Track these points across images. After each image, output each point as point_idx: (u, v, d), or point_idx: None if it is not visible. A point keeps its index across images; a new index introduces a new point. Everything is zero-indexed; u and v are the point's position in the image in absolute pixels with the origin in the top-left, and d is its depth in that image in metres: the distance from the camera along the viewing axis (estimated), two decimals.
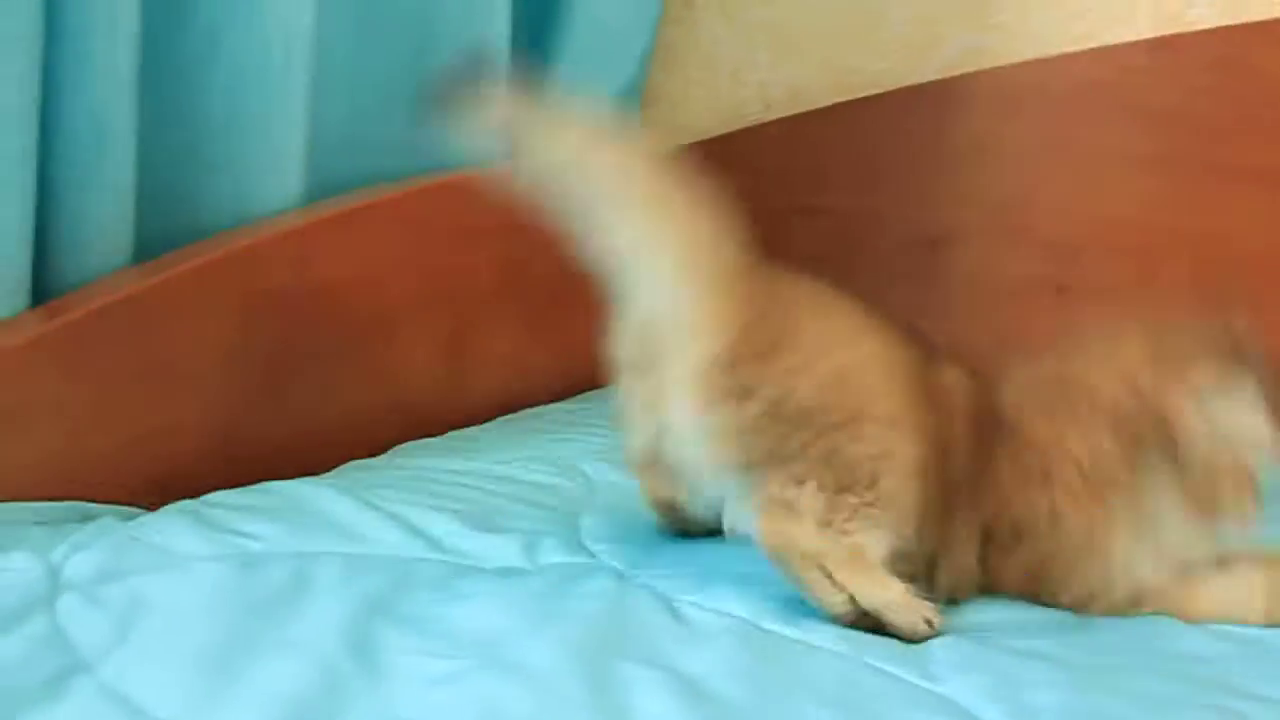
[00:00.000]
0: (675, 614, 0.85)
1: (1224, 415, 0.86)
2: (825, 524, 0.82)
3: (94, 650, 0.75)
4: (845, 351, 0.86)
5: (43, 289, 1.09)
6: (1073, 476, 0.87)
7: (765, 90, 1.87)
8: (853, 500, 0.82)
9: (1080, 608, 0.89)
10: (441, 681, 0.73)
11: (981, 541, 0.90)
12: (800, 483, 0.82)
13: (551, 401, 1.58)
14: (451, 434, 1.39)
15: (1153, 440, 0.86)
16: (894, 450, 0.83)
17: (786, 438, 0.82)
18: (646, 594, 0.88)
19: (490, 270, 1.54)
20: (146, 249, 1.18)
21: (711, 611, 0.85)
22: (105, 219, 1.13)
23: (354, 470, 1.20)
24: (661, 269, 0.85)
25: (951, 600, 0.88)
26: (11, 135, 1.03)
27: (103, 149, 1.12)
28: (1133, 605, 0.88)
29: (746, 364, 0.82)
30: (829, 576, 0.82)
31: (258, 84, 1.26)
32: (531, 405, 1.55)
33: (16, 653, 0.74)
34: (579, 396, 1.59)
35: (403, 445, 1.34)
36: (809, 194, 1.79)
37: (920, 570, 0.87)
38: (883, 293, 0.88)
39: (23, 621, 0.77)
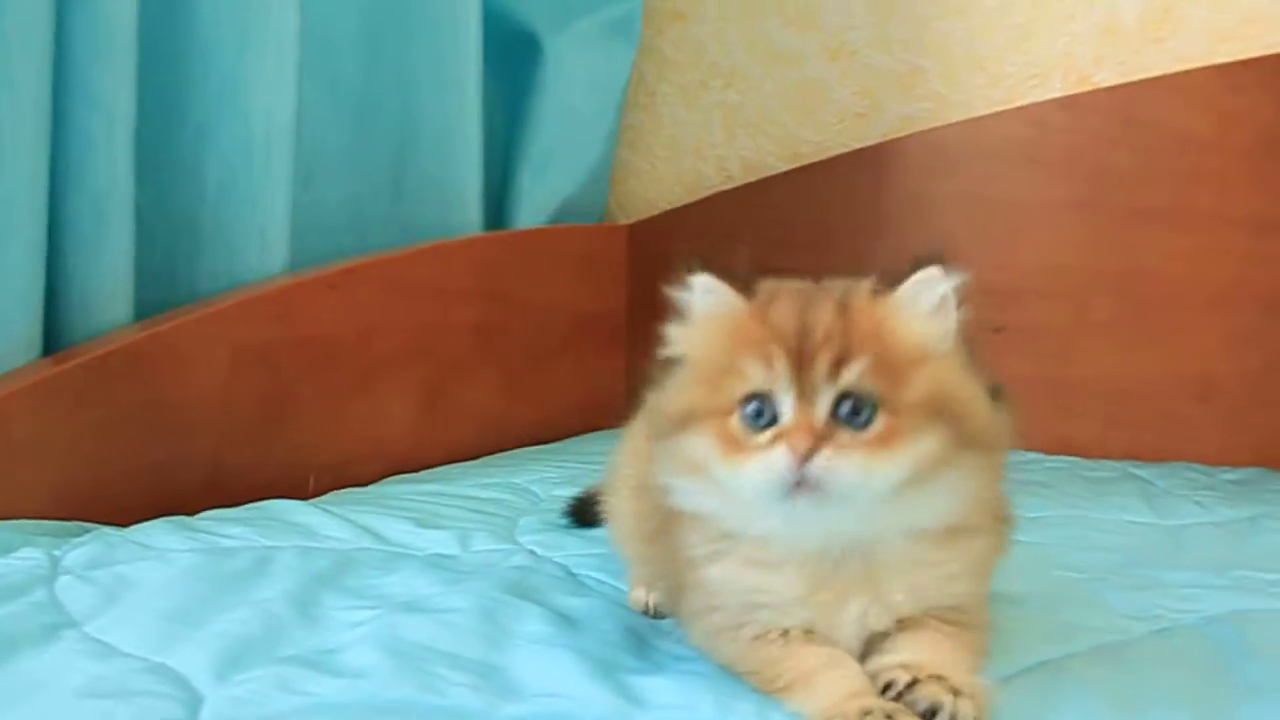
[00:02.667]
0: (574, 579, 1.00)
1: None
2: None
3: (82, 613, 0.91)
4: None
5: (52, 343, 1.26)
6: None
7: (724, 163, 2.04)
8: None
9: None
10: (362, 624, 0.88)
11: None
12: None
13: None
14: (429, 470, 1.54)
15: None
16: None
17: None
18: (554, 567, 1.04)
19: (467, 329, 1.70)
20: (145, 312, 1.35)
21: (605, 582, 1.00)
22: (107, 286, 1.31)
23: (332, 495, 1.36)
24: None
25: None
26: (24, 217, 1.21)
27: (103, 229, 1.30)
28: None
29: None
30: None
31: (244, 169, 1.44)
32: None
33: (18, 614, 0.89)
34: (549, 444, 1.74)
35: (390, 478, 1.49)
36: (771, 254, 1.93)
37: None
38: None
39: (25, 594, 0.93)
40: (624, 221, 2.06)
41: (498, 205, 1.89)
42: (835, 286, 0.76)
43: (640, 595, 0.94)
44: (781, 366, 0.71)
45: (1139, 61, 1.76)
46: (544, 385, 1.83)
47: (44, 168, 1.22)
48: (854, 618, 0.76)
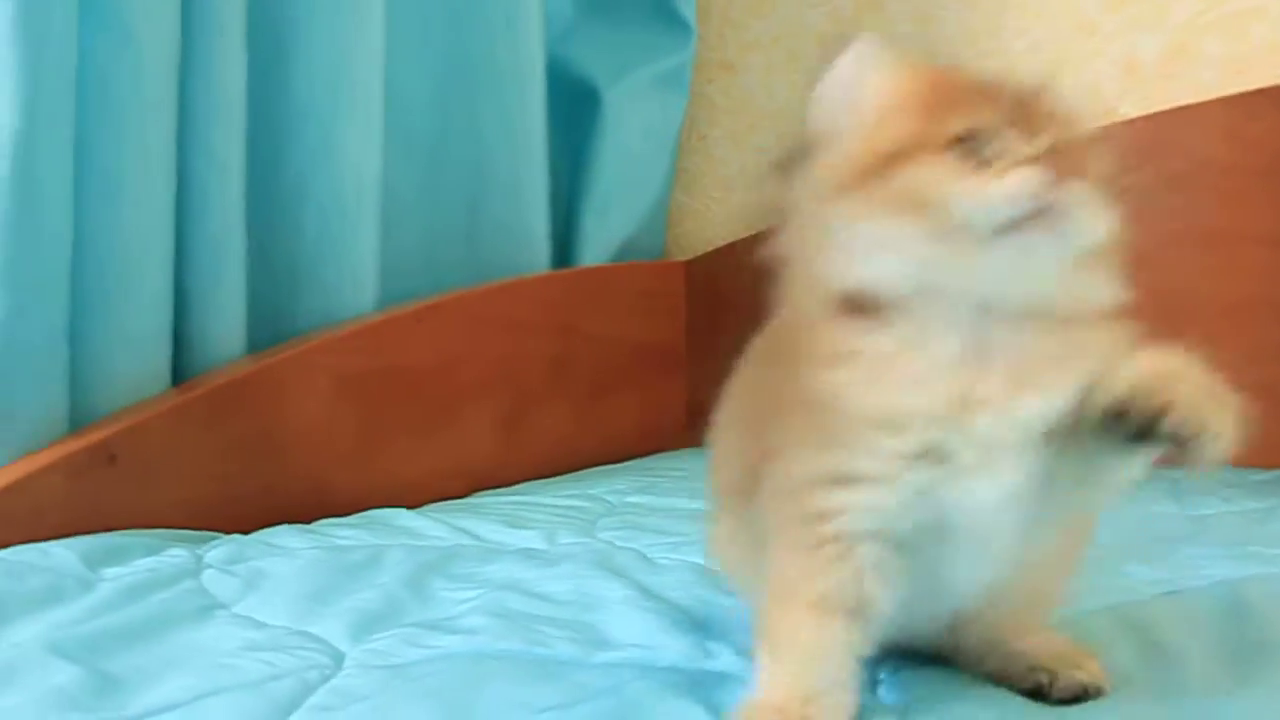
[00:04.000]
0: (648, 560, 1.14)
1: None
2: None
3: (229, 598, 1.05)
4: None
5: (179, 375, 1.42)
6: None
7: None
8: None
9: None
10: (468, 600, 1.02)
11: None
12: None
13: None
14: (511, 486, 1.68)
15: None
16: None
17: None
18: (632, 553, 1.17)
19: (539, 360, 1.85)
20: (258, 345, 1.51)
21: (681, 560, 1.14)
22: (223, 323, 1.46)
23: (427, 506, 1.50)
24: None
25: None
26: (154, 262, 1.37)
27: (220, 271, 1.46)
28: None
29: None
30: None
31: (338, 217, 1.59)
32: None
33: (174, 600, 1.04)
34: (617, 464, 1.88)
35: (478, 492, 1.63)
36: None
37: None
38: None
39: (177, 584, 1.08)
40: (681, 258, 2.20)
41: (563, 246, 2.03)
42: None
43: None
44: (1004, 101, 0.66)
45: (1159, 95, 1.88)
46: (610, 411, 1.97)
47: (170, 217, 1.38)
48: (1019, 420, 0.66)
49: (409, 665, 0.86)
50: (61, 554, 1.11)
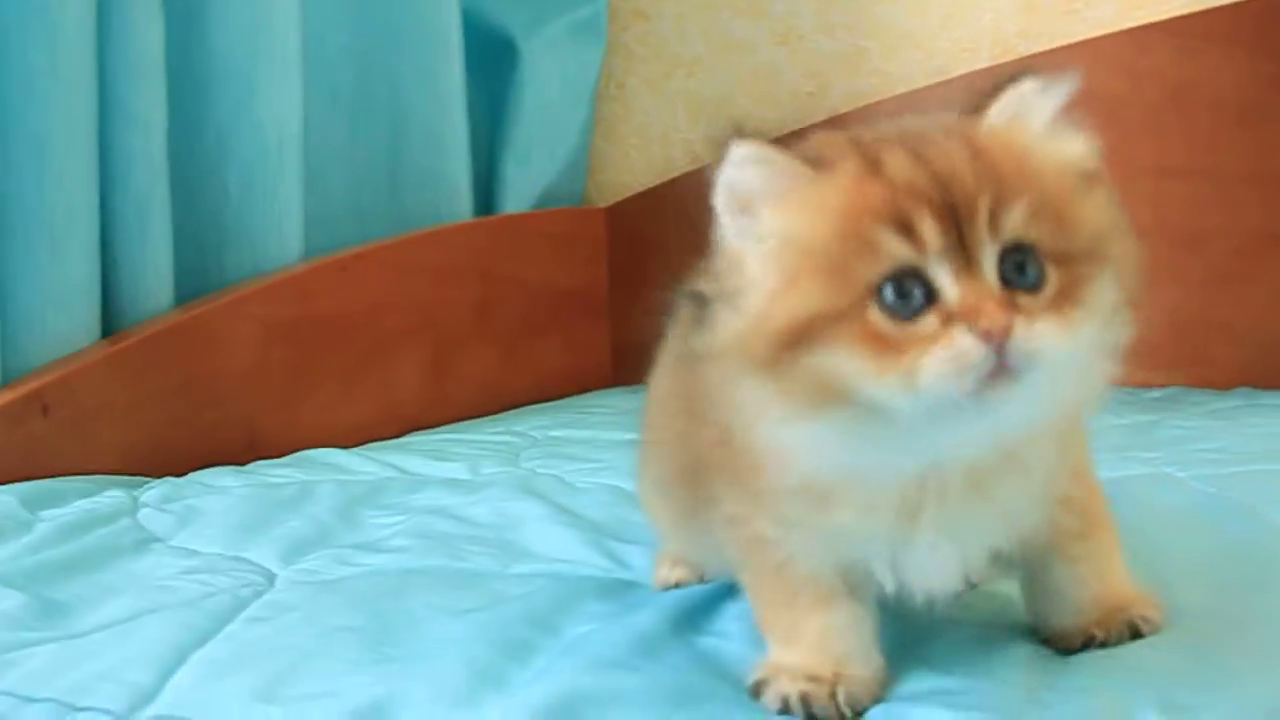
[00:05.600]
0: (568, 484, 1.20)
1: None
2: None
3: (165, 532, 1.10)
4: None
5: (109, 327, 1.46)
6: None
7: (690, 147, 2.23)
8: None
9: None
10: (394, 525, 1.08)
11: None
12: None
13: None
14: (440, 427, 1.73)
15: None
16: None
17: None
18: (552, 479, 1.23)
19: (464, 306, 1.90)
20: (185, 296, 1.54)
21: (596, 483, 1.20)
22: (151, 276, 1.49)
23: (358, 447, 1.55)
24: None
25: None
26: (80, 221, 1.40)
27: (145, 228, 1.49)
28: None
29: None
30: None
31: (261, 171, 1.62)
32: None
33: (111, 536, 1.08)
34: (544, 404, 1.93)
35: (409, 434, 1.68)
36: None
37: None
38: None
39: (114, 522, 1.12)
40: (601, 204, 2.25)
41: (485, 194, 2.07)
42: (928, 125, 0.61)
43: (666, 574, 0.87)
44: (928, 228, 0.55)
45: (1057, 31, 1.95)
46: (535, 355, 2.02)
47: (94, 176, 1.41)
48: (955, 552, 0.63)
49: (338, 581, 0.92)
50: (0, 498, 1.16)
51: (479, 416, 1.83)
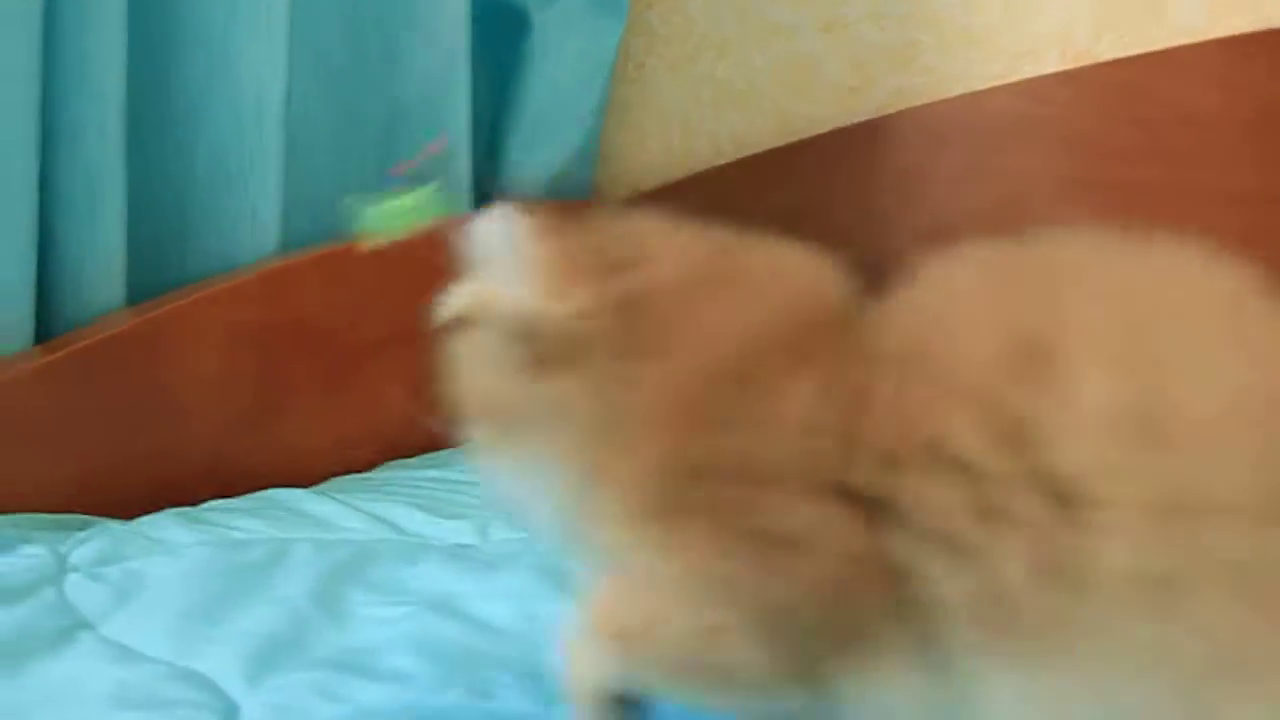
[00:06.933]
0: None
1: None
2: None
3: (95, 613, 0.87)
4: None
5: (45, 331, 1.22)
6: None
7: (714, 139, 2.01)
8: None
9: None
10: (392, 623, 0.85)
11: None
12: None
13: None
14: (427, 454, 1.50)
15: None
16: None
17: None
18: None
19: None
20: (138, 295, 1.31)
21: None
22: (99, 269, 1.26)
23: (336, 481, 1.32)
24: None
25: None
26: (15, 195, 1.17)
27: (96, 211, 1.25)
28: None
29: None
30: None
31: (235, 148, 1.40)
32: None
33: (29, 617, 0.86)
34: None
35: (387, 463, 1.45)
36: (761, 231, 1.92)
37: None
38: None
39: (35, 594, 0.90)
40: (612, 198, 2.03)
41: (486, 182, 1.85)
42: None
43: None
44: None
45: (1140, 34, 1.74)
46: None
47: (34, 146, 1.17)
48: None
49: None
50: None
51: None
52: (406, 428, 1.55)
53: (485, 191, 1.82)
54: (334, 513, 1.13)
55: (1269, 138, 1.64)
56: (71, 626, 0.84)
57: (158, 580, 0.93)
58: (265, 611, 0.86)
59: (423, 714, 0.70)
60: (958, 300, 0.58)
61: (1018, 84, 1.78)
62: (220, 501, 1.17)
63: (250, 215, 1.42)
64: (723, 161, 1.97)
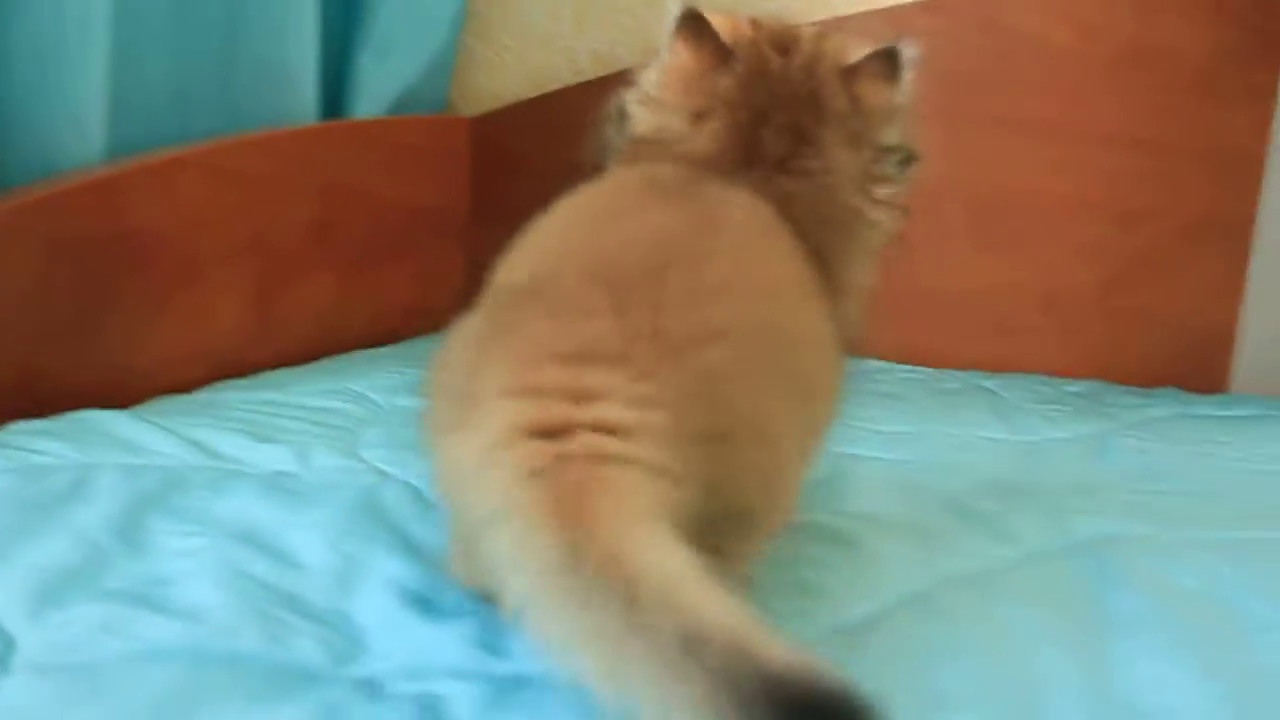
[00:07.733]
0: (422, 499, 0.94)
1: None
2: None
3: None
4: None
5: None
6: None
7: (573, 56, 1.96)
8: None
9: None
10: (186, 551, 0.81)
11: None
12: None
13: None
14: (262, 374, 1.45)
15: None
16: None
17: None
18: (402, 487, 0.97)
19: (300, 224, 1.61)
20: None
21: None
22: None
23: (156, 403, 1.26)
24: None
25: None
26: None
27: None
28: None
29: None
30: None
31: (57, 44, 1.30)
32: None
33: None
34: (386, 346, 1.66)
35: (214, 384, 1.40)
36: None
37: None
38: None
39: None
40: (467, 114, 1.97)
41: (334, 93, 1.78)
42: None
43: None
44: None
45: None
46: (379, 283, 1.75)
47: None
48: None
49: (100, 667, 0.65)
50: None
51: (308, 358, 1.56)
52: (242, 348, 1.50)
53: (330, 105, 1.75)
54: (147, 436, 1.08)
55: (1130, 78, 1.65)
56: None
57: None
58: (58, 542, 0.81)
59: (209, 658, 0.67)
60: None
61: (881, 10, 1.77)
62: (25, 423, 1.10)
63: (72, 120, 1.33)
64: (580, 80, 1.93)
